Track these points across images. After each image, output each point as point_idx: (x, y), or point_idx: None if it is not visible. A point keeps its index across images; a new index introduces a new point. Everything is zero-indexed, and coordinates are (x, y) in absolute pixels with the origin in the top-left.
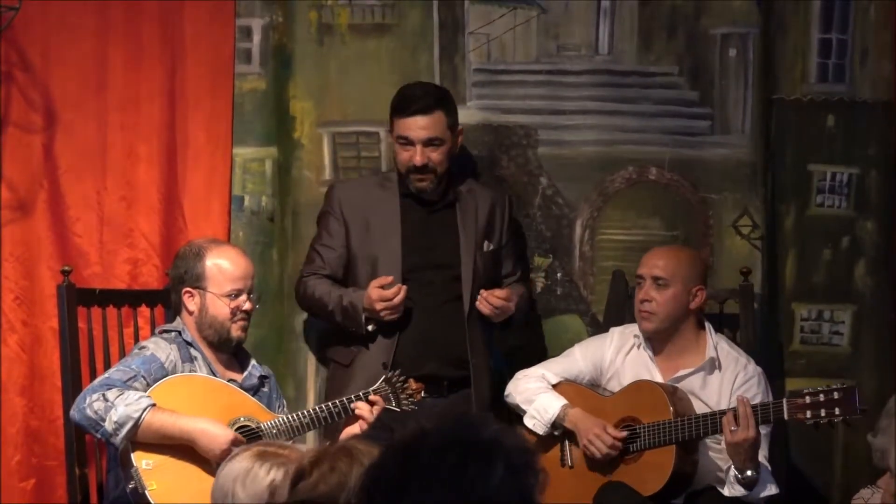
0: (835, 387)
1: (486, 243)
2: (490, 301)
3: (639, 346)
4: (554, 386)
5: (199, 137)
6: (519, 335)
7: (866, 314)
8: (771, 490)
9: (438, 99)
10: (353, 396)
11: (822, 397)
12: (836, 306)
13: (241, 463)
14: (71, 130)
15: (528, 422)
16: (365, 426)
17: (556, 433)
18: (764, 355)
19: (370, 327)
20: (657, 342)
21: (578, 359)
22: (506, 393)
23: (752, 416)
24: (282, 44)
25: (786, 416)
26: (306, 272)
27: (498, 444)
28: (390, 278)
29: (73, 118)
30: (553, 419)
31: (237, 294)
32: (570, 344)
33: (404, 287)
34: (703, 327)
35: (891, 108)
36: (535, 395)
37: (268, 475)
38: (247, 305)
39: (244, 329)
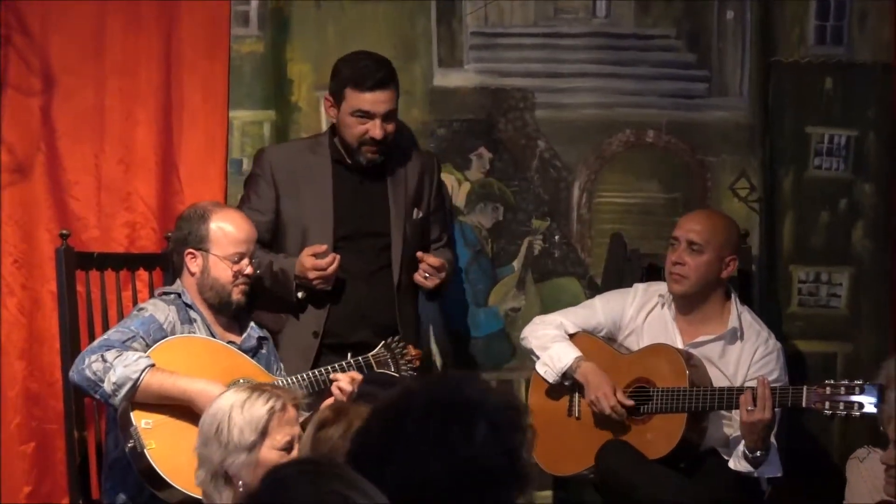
0: (858, 382)
1: (415, 211)
2: (429, 262)
3: (662, 306)
4: (571, 336)
5: (196, 100)
6: (516, 297)
7: (864, 276)
8: (775, 472)
9: (391, 71)
10: (352, 361)
11: (843, 391)
12: (834, 269)
13: (236, 394)
14: (69, 94)
15: (539, 368)
16: (340, 396)
17: (566, 383)
18: (762, 318)
19: (300, 294)
20: (682, 305)
21: (598, 311)
22: (521, 336)
23: (770, 399)
24: (279, 6)
25: (804, 404)
26: None
27: (480, 404)
28: (324, 247)
29: (71, 82)
30: (565, 369)
31: (240, 258)
32: (567, 307)
33: (338, 256)
34: (729, 297)
35: (889, 70)
36: (551, 343)
37: (266, 403)
38: (248, 270)
39: (244, 293)
